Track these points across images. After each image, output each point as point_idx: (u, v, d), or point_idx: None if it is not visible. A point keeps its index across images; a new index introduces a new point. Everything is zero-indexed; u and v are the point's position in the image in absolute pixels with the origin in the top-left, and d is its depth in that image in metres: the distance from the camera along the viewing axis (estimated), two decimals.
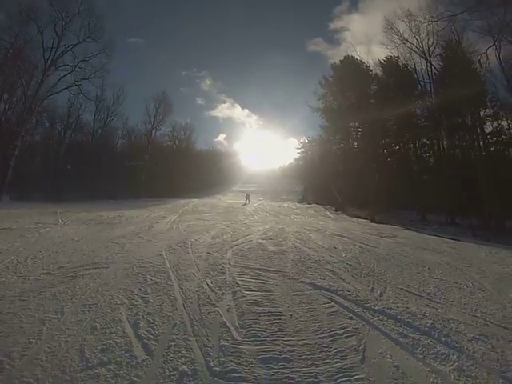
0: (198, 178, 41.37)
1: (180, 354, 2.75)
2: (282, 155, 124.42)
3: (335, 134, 31.81)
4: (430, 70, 25.56)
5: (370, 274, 5.58)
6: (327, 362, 2.70)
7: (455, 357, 2.87)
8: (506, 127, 22.13)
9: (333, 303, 4.08)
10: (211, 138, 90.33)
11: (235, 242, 8.04)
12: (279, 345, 2.96)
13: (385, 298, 4.38)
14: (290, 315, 3.64)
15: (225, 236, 9.01)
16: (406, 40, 25.91)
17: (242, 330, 3.25)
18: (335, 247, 7.87)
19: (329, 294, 4.45)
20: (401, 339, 3.16)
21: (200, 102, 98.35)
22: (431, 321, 3.62)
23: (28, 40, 26.73)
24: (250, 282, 4.84)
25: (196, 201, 27.61)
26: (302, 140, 40.75)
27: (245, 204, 26.16)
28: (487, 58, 21.55)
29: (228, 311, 3.70)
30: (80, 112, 36.21)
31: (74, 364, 2.57)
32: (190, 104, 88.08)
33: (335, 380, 2.47)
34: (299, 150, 41.60)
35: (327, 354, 2.84)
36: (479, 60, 22.05)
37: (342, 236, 9.90)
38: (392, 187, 24.01)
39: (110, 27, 51.34)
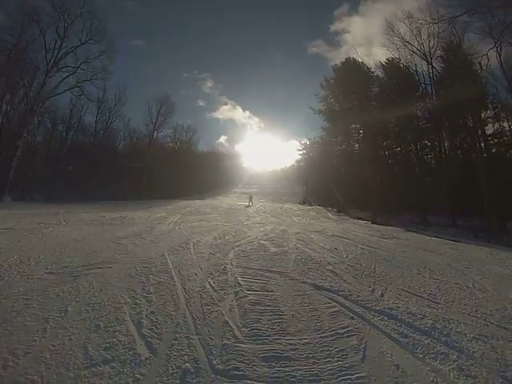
0: (199, 180, 41.47)
1: (183, 352, 2.78)
2: (284, 157, 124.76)
3: (337, 136, 31.81)
4: (431, 71, 25.57)
5: (371, 275, 5.59)
6: (328, 361, 2.73)
7: (455, 356, 2.89)
8: (507, 129, 22.11)
9: (334, 303, 4.10)
10: (213, 139, 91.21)
11: (237, 243, 8.07)
12: (281, 344, 2.99)
13: (385, 298, 4.40)
14: (292, 315, 3.66)
15: (227, 237, 9.04)
16: (407, 42, 25.90)
17: (244, 329, 3.28)
18: (336, 248, 7.89)
19: (330, 294, 4.47)
20: (401, 339, 3.18)
21: (201, 103, 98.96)
22: (431, 321, 3.64)
23: (30, 41, 26.89)
24: (252, 282, 4.87)
25: (198, 202, 27.68)
26: (303, 142, 40.67)
27: (248, 206, 26.13)
28: (488, 60, 21.48)
29: (230, 311, 3.73)
30: (82, 113, 36.45)
31: (78, 361, 2.60)
32: (191, 106, 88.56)
33: (336, 378, 2.49)
34: (300, 152, 41.54)
35: (328, 352, 2.87)
36: (480, 62, 22.05)
37: (343, 237, 9.92)
38: (393, 189, 24.01)
39: (112, 29, 51.44)
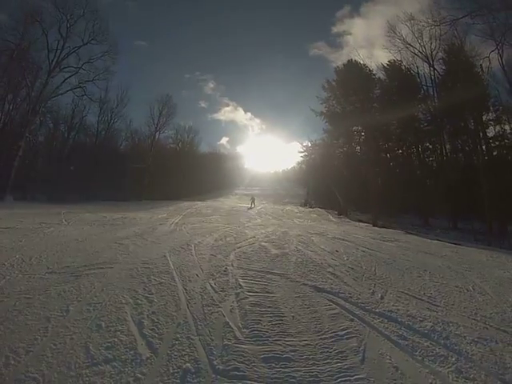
0: (200, 181, 41.44)
1: (184, 353, 2.80)
2: (285, 158, 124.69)
3: (338, 138, 31.73)
4: (432, 73, 25.56)
5: (372, 278, 5.61)
6: (328, 362, 2.75)
7: (454, 359, 2.91)
8: (509, 131, 22.02)
9: (334, 305, 4.12)
10: (214, 141, 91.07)
11: (238, 245, 8.09)
12: (281, 345, 3.00)
13: (386, 300, 4.41)
14: (292, 316, 3.68)
15: (228, 238, 9.06)
16: (409, 44, 25.89)
17: (245, 330, 3.29)
18: (337, 251, 7.90)
19: (330, 296, 4.49)
20: (400, 341, 3.19)
21: (203, 104, 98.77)
22: (431, 323, 3.65)
23: (33, 41, 26.89)
24: (252, 283, 4.89)
25: (199, 203, 27.69)
26: (304, 143, 40.39)
27: (250, 208, 25.95)
28: (489, 62, 21.50)
29: (231, 312, 3.75)
30: (84, 113, 36.27)
31: (79, 360, 2.62)
32: (193, 107, 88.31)
33: (335, 379, 2.51)
34: (302, 154, 41.35)
35: (328, 354, 2.89)
36: (481, 64, 22.05)
37: (344, 240, 9.92)
38: (394, 191, 23.98)
39: (114, 29, 51.54)
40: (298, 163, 54.29)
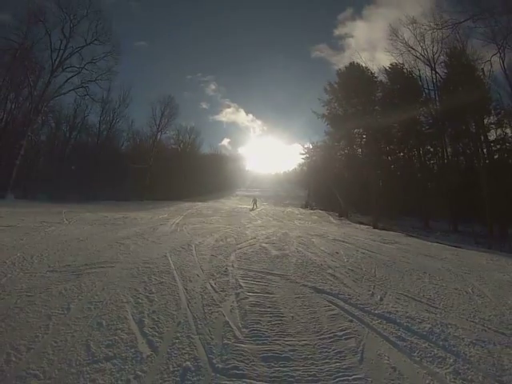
0: (202, 182, 41.43)
1: (184, 351, 2.83)
2: (286, 160, 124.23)
3: (340, 140, 31.70)
4: (434, 77, 25.52)
5: (371, 279, 5.62)
6: (326, 362, 2.77)
7: (452, 360, 2.92)
8: (510, 135, 22.01)
9: (333, 306, 4.14)
10: (216, 142, 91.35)
11: (239, 246, 8.11)
12: (280, 344, 3.02)
13: (385, 302, 4.43)
14: (292, 317, 3.70)
15: (228, 239, 9.08)
16: (411, 47, 25.87)
17: (245, 329, 3.32)
18: (337, 252, 7.92)
19: (330, 297, 4.50)
20: (399, 342, 3.21)
21: (204, 106, 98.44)
22: (430, 325, 3.66)
23: (36, 41, 27.01)
24: (252, 284, 4.91)
25: (200, 204, 27.73)
26: (306, 145, 40.32)
27: (252, 209, 25.90)
28: (491, 66, 21.47)
29: (231, 311, 3.77)
30: (86, 113, 36.36)
31: (80, 358, 2.65)
32: (194, 108, 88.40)
33: (334, 379, 2.53)
34: (303, 156, 41.29)
35: (327, 354, 2.91)
36: (483, 67, 22.04)
37: (344, 242, 9.93)
38: (395, 194, 23.98)
39: (117, 30, 51.57)
40: (300, 165, 54.18)
